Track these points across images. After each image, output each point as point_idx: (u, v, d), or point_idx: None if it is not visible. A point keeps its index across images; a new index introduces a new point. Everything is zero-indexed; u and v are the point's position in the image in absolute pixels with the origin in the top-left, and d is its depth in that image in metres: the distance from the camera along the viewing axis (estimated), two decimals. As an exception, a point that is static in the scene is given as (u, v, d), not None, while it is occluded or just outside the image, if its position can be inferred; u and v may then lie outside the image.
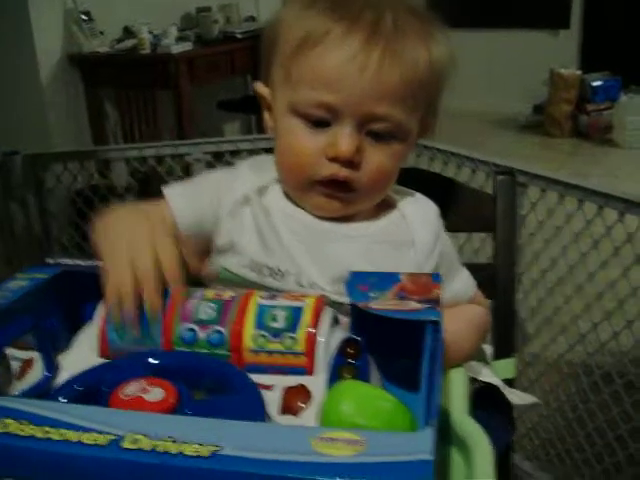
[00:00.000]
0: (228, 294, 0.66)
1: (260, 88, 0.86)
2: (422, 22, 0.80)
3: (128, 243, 0.68)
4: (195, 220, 0.81)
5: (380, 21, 0.76)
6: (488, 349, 0.96)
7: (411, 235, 0.83)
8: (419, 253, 0.83)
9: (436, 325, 0.57)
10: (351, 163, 0.77)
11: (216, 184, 0.85)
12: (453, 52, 0.82)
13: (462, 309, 0.85)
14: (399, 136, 0.79)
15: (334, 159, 0.77)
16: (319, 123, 0.78)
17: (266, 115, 0.87)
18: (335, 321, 0.63)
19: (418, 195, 0.89)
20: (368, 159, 0.78)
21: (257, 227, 0.81)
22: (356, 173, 0.78)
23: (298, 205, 0.84)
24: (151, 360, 0.60)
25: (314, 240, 0.81)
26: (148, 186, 1.43)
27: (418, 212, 0.86)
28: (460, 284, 0.87)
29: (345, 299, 0.74)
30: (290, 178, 0.83)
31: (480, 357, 0.90)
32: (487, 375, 0.88)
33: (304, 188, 0.81)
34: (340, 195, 0.80)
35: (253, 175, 0.85)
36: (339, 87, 0.75)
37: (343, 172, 0.78)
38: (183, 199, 0.83)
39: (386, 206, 0.86)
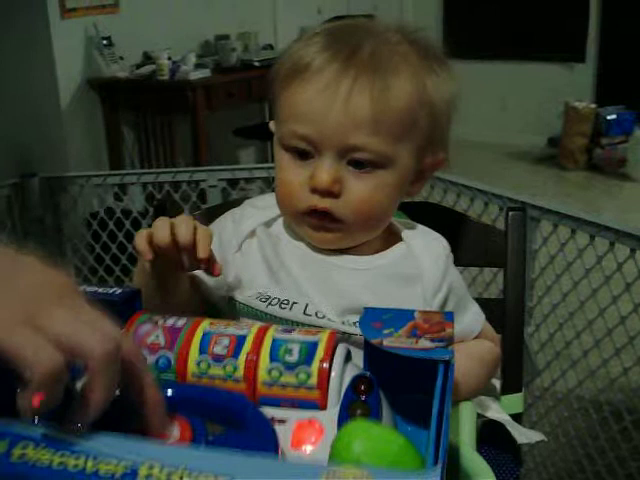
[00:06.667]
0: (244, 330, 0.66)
1: (272, 125, 0.87)
2: (423, 56, 0.79)
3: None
4: None
5: (359, 51, 0.76)
6: (497, 383, 0.97)
7: (418, 269, 0.82)
8: (426, 288, 0.82)
9: (448, 364, 0.58)
10: (331, 193, 0.77)
11: (224, 230, 0.86)
12: (456, 89, 0.82)
13: (471, 344, 0.84)
14: (383, 165, 0.78)
15: (314, 190, 0.78)
16: (304, 155, 0.79)
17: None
18: (347, 357, 0.64)
19: (427, 229, 0.88)
20: (350, 189, 0.78)
21: (264, 258, 0.82)
22: (336, 203, 0.78)
23: (302, 238, 0.84)
24: (165, 392, 0.60)
25: (321, 271, 0.81)
26: (163, 211, 1.44)
27: (425, 246, 0.85)
28: (469, 318, 0.85)
29: (352, 329, 0.75)
30: (283, 211, 0.84)
31: (489, 392, 0.91)
32: (495, 410, 0.88)
33: (296, 220, 0.82)
34: (329, 226, 0.80)
35: (258, 212, 0.87)
36: (313, 119, 0.76)
37: (322, 203, 0.78)
38: None
39: (393, 239, 0.86)
